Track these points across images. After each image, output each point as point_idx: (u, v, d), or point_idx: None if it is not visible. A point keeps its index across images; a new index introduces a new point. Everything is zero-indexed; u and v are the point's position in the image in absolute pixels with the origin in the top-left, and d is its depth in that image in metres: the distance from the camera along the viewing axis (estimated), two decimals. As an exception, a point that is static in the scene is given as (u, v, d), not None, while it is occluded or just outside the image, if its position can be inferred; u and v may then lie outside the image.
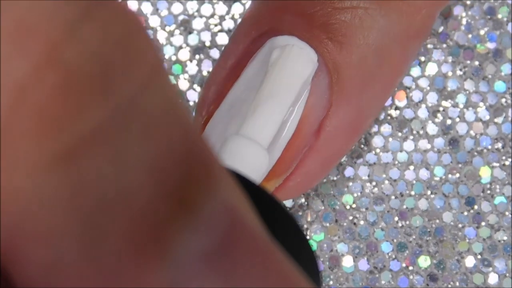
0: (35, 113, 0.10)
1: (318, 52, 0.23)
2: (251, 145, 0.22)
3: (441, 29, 0.28)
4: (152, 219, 0.11)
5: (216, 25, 0.28)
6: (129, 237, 0.11)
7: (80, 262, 0.11)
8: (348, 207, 0.28)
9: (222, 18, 0.28)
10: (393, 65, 0.24)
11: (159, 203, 0.11)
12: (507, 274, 0.27)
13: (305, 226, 0.27)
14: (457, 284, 0.27)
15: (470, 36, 0.28)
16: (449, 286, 0.27)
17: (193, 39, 0.28)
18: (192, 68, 0.28)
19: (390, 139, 0.28)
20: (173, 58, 0.28)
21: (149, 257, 0.11)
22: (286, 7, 0.23)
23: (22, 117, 0.10)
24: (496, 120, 0.28)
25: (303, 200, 0.28)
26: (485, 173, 0.28)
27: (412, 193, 0.28)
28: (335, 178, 0.28)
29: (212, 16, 0.28)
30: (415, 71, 0.28)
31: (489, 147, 0.28)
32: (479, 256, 0.27)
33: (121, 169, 0.11)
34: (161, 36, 0.28)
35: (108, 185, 0.11)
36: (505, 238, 0.28)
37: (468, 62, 0.28)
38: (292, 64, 0.23)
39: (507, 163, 0.28)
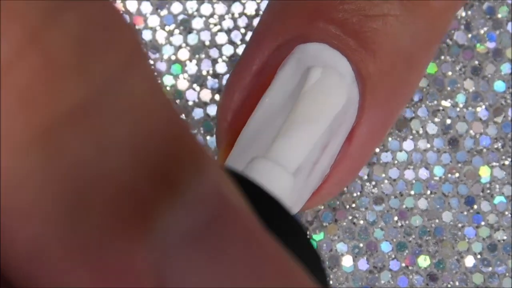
0: (16, 92, 0.11)
1: (351, 61, 0.23)
2: (277, 169, 0.21)
3: (440, 28, 0.28)
4: (136, 198, 0.11)
5: (215, 25, 0.28)
6: (112, 215, 0.11)
7: (64, 239, 0.11)
8: (347, 206, 0.28)
9: (221, 17, 0.28)
10: (419, 70, 0.25)
11: (143, 183, 0.11)
12: (507, 274, 0.27)
13: (305, 225, 0.27)
14: (457, 283, 0.27)
15: (469, 35, 0.28)
16: (449, 286, 0.27)
17: (192, 39, 0.28)
18: (191, 67, 0.28)
19: (390, 138, 0.28)
20: (173, 57, 0.28)
21: (134, 235, 0.11)
22: (317, 14, 0.23)
23: (4, 97, 0.11)
24: (495, 119, 0.28)
25: (302, 199, 0.28)
26: (484, 173, 0.28)
27: (412, 192, 0.28)
28: (334, 178, 0.28)
29: (211, 15, 0.28)
30: (415, 70, 0.28)
31: (489, 146, 0.28)
32: (478, 256, 0.27)
33: (102, 149, 0.11)
34: (161, 36, 0.28)
35: (88, 164, 0.11)
36: (504, 237, 0.28)
37: (468, 61, 0.28)
38: (330, 91, 0.23)
39: (506, 162, 0.28)
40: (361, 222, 0.27)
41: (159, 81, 0.12)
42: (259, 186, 0.15)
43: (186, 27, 0.28)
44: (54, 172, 0.11)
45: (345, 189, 0.28)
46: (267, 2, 0.28)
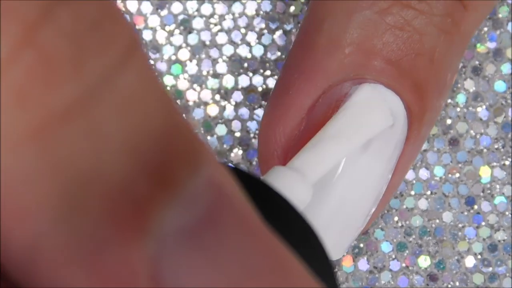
0: (12, 90, 0.11)
1: (403, 100, 0.23)
2: (295, 176, 0.20)
3: (441, 28, 0.28)
4: (132, 196, 0.11)
5: (216, 25, 0.28)
6: (108, 214, 0.11)
7: (61, 236, 0.11)
8: (348, 207, 0.28)
9: (222, 17, 0.28)
10: (448, 92, 0.26)
11: (139, 181, 0.11)
12: (507, 274, 0.27)
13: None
14: (457, 284, 0.27)
15: (470, 35, 0.28)
16: (449, 286, 0.27)
17: (193, 39, 0.28)
18: (192, 68, 0.28)
19: (390, 138, 0.28)
20: (173, 57, 0.28)
21: (129, 232, 0.11)
22: (372, 53, 0.23)
23: (1, 95, 0.11)
24: (496, 119, 0.28)
25: (303, 200, 0.28)
26: (485, 173, 0.28)
27: (412, 192, 0.28)
28: (335, 178, 0.28)
29: (212, 15, 0.28)
30: (415, 70, 0.28)
31: (489, 146, 0.28)
32: (479, 256, 0.27)
33: (97, 145, 0.11)
34: (161, 36, 0.28)
35: (83, 160, 0.11)
36: (505, 238, 0.28)
37: (468, 61, 0.28)
38: (369, 112, 0.23)
39: (507, 163, 0.28)
40: (362, 222, 0.27)
41: (157, 77, 0.12)
42: (270, 187, 0.15)
43: (186, 27, 0.28)
44: (49, 170, 0.11)
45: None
46: (266, 1, 0.28)
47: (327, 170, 0.22)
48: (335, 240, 0.24)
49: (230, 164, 0.14)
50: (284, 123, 0.24)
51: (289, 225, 0.15)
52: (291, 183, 0.20)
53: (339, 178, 0.23)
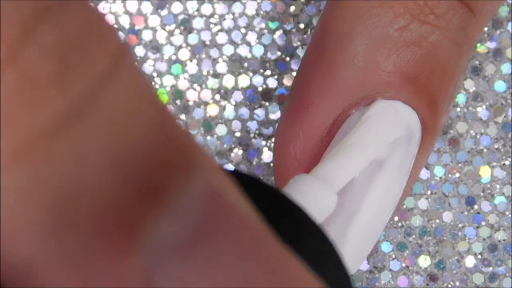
0: None
1: (419, 116, 0.24)
2: (320, 185, 0.20)
3: (441, 28, 0.28)
4: (120, 211, 0.11)
5: (216, 25, 0.28)
6: (97, 228, 0.11)
7: (53, 253, 0.11)
8: (348, 207, 0.28)
9: (222, 17, 0.28)
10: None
11: (127, 195, 0.11)
12: (507, 274, 0.27)
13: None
14: (457, 284, 0.27)
15: (470, 35, 0.28)
16: (449, 286, 0.27)
17: (193, 39, 0.28)
18: (192, 67, 0.28)
19: (390, 138, 0.28)
20: (173, 57, 0.28)
21: (120, 248, 0.11)
22: (392, 70, 0.23)
23: None
24: (496, 119, 0.28)
25: (303, 199, 0.28)
26: (485, 173, 0.28)
27: (412, 192, 0.28)
28: (335, 178, 0.28)
29: (212, 15, 0.28)
30: (415, 70, 0.28)
31: (489, 146, 0.28)
32: (479, 256, 0.27)
33: (81, 164, 0.11)
34: (161, 36, 0.28)
35: (68, 180, 0.11)
36: (505, 238, 0.28)
37: (468, 61, 0.28)
38: (386, 120, 0.23)
39: (507, 162, 0.28)
40: (362, 222, 0.27)
41: (148, 84, 0.12)
42: (286, 197, 0.15)
43: (186, 27, 0.28)
44: (37, 189, 0.11)
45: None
46: (266, 1, 0.28)
47: (350, 177, 0.22)
48: (355, 254, 0.24)
49: (243, 171, 0.14)
50: (304, 142, 0.24)
51: (304, 235, 0.15)
52: (316, 190, 0.20)
53: (363, 196, 0.23)
